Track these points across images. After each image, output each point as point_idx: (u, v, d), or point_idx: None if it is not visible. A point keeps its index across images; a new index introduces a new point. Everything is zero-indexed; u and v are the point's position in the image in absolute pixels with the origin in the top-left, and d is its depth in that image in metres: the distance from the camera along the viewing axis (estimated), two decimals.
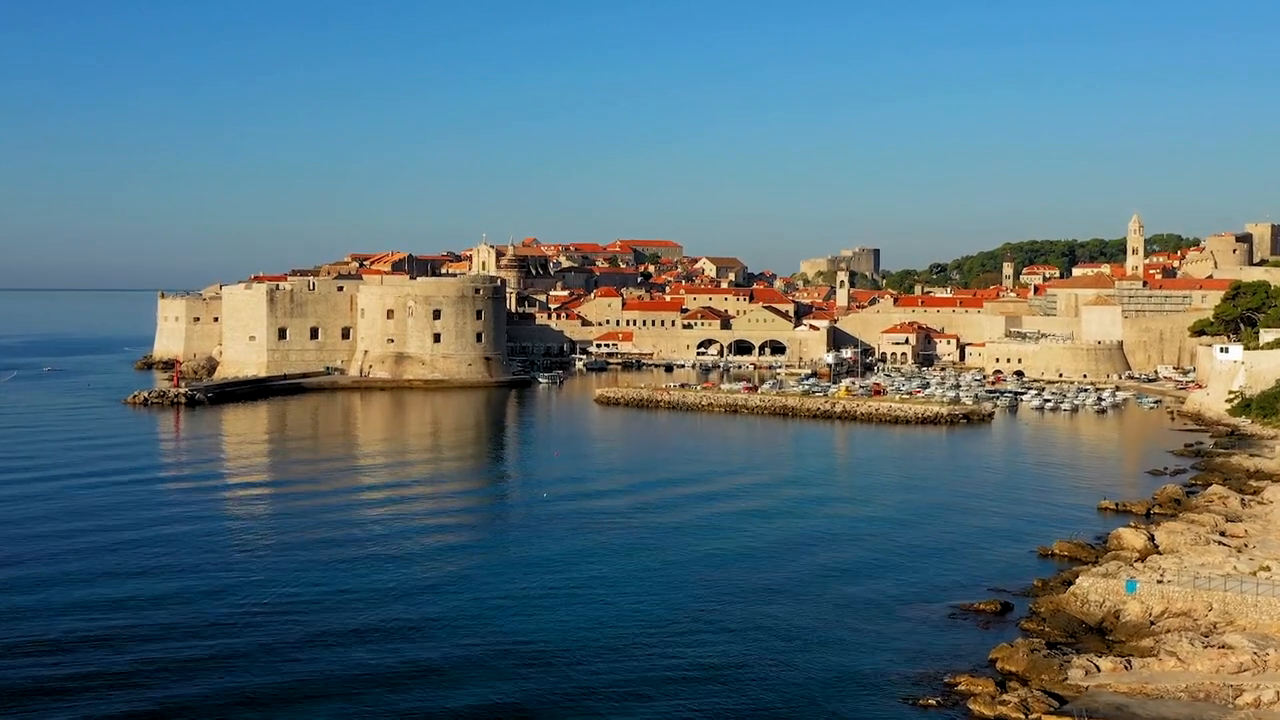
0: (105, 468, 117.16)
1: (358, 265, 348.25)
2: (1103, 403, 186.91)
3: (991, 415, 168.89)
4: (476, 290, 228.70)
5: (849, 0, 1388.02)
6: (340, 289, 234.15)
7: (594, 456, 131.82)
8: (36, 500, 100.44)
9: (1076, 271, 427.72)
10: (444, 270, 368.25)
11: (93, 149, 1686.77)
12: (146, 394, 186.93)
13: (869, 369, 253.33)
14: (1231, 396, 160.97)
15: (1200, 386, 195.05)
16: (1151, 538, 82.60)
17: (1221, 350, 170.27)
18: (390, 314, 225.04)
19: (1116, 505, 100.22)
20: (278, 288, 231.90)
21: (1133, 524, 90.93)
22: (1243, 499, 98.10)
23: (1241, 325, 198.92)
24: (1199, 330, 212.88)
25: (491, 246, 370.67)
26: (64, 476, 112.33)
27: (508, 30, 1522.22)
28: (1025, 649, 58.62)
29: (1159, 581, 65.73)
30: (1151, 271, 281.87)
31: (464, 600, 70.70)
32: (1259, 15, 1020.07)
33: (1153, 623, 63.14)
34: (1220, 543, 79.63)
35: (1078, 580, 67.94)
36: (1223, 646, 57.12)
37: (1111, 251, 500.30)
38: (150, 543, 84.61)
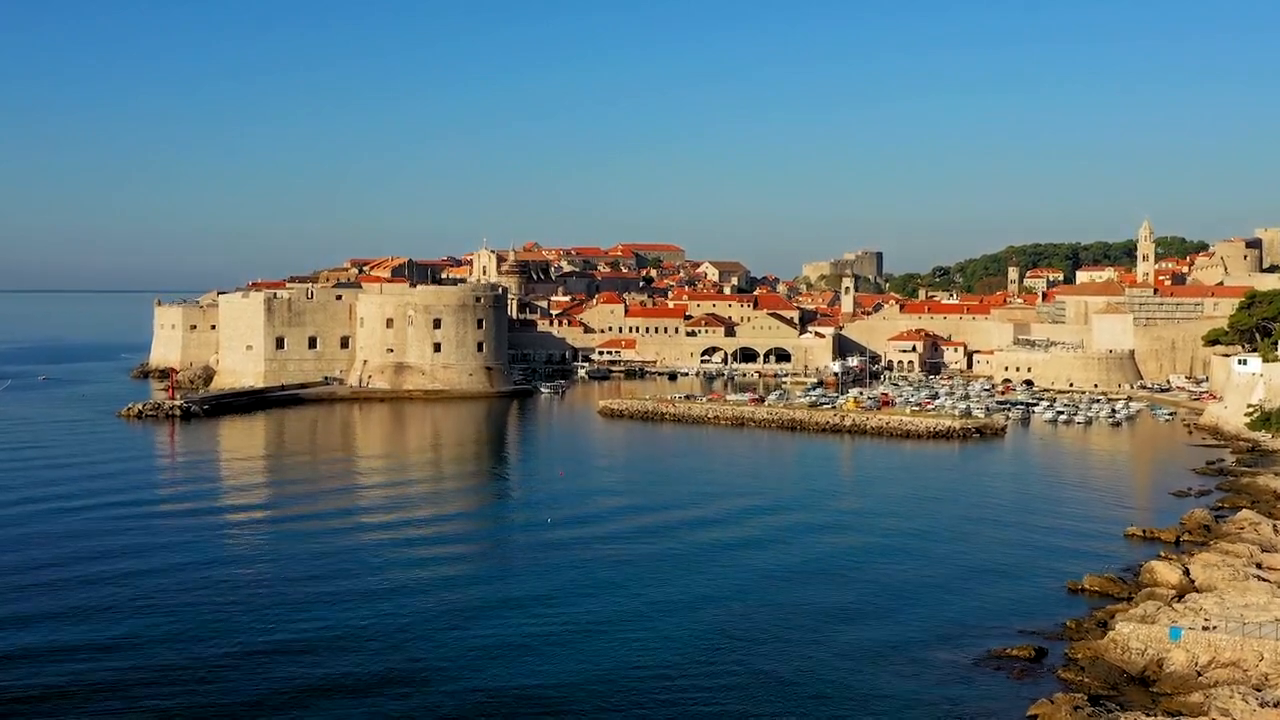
0: (98, 499, 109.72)
1: (357, 271, 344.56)
2: (1117, 415, 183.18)
3: (1004, 429, 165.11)
4: (477, 299, 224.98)
5: (849, 0, 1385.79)
6: (339, 298, 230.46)
7: (599, 477, 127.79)
8: (24, 530, 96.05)
9: (1080, 274, 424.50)
10: (444, 275, 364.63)
11: (92, 149, 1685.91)
12: (141, 406, 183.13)
13: (875, 377, 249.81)
14: (1250, 410, 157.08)
15: (1214, 397, 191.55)
16: (1186, 571, 78.86)
17: (1240, 362, 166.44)
18: (390, 323, 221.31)
19: (1144, 532, 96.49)
20: (275, 296, 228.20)
21: (1163, 554, 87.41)
22: (1275, 525, 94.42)
23: (1257, 335, 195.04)
24: (1213, 340, 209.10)
25: (492, 251, 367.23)
26: (54, 507, 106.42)
27: (507, 30, 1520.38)
28: (1067, 705, 54.87)
29: (1205, 628, 62.00)
30: (1160, 278, 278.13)
31: (466, 643, 66.85)
32: (1260, 15, 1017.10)
33: (1199, 673, 59.44)
34: (1259, 578, 75.92)
35: (1117, 626, 64.20)
36: (1278, 705, 53.40)
37: (1115, 254, 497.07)
38: (141, 580, 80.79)
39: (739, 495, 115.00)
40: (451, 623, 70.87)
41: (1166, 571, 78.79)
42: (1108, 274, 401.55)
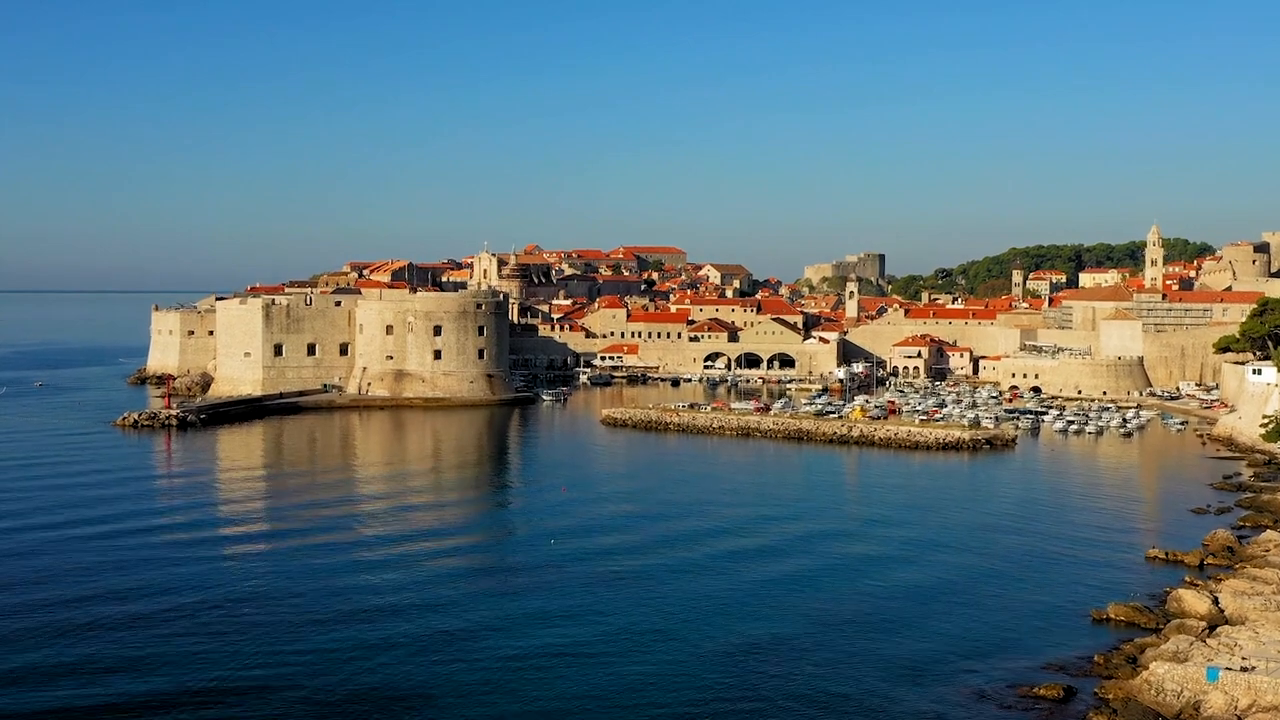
0: (89, 523, 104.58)
1: (356, 275, 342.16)
2: (1128, 425, 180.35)
3: (1014, 440, 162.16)
4: (478, 305, 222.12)
5: (849, 1, 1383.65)
6: (338, 304, 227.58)
7: (603, 493, 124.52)
8: (7, 561, 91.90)
9: (1084, 277, 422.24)
10: (445, 279, 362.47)
11: (91, 151, 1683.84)
12: (137, 416, 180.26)
13: (881, 383, 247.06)
14: (1266, 421, 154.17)
15: (1225, 405, 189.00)
16: (1215, 600, 76.04)
17: (1255, 372, 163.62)
18: (390, 330, 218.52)
19: (1166, 554, 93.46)
20: (274, 302, 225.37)
21: (1188, 579, 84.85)
22: None
23: (1269, 343, 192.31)
24: (1224, 347, 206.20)
25: (493, 255, 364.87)
26: (46, 536, 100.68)
27: (507, 32, 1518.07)
28: None
29: (1243, 669, 59.19)
30: (1168, 282, 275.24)
31: (466, 686, 64.06)
32: (1262, 16, 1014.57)
33: (1239, 718, 56.63)
34: None
35: (1151, 666, 61.38)
36: None
37: (1118, 256, 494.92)
38: (129, 610, 77.98)
39: (748, 518, 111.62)
40: (452, 665, 68.04)
41: (1195, 601, 75.99)
42: (1111, 276, 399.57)
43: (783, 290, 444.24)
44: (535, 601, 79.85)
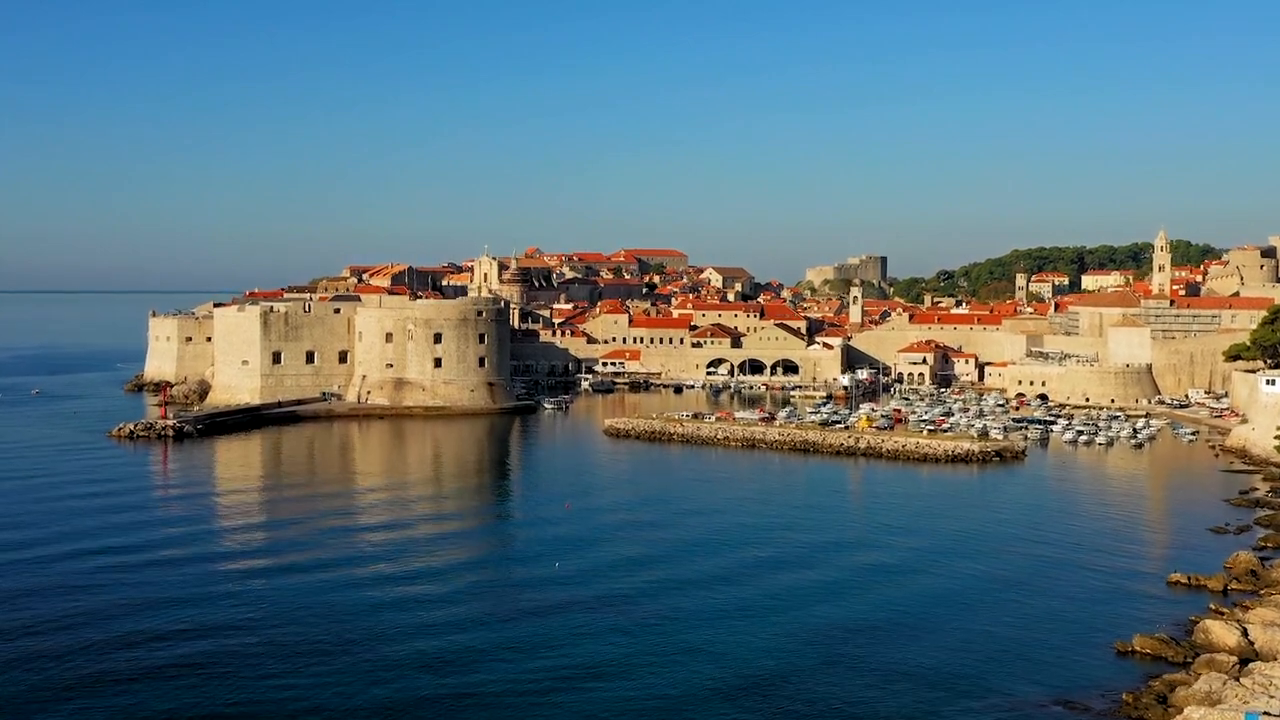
0: (83, 554, 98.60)
1: (356, 280, 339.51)
2: (1138, 435, 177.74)
3: (1023, 452, 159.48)
4: (479, 312, 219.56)
5: (850, 1, 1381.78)
6: (337, 310, 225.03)
7: (608, 510, 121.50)
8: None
9: (1086, 279, 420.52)
10: (445, 283, 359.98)
11: (90, 153, 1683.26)
12: (133, 427, 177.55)
13: (886, 390, 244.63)
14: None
15: (1236, 414, 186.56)
16: (1244, 632, 73.56)
17: (1268, 382, 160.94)
18: (389, 337, 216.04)
19: (1189, 579, 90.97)
20: (272, 309, 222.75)
21: (1213, 606, 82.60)
22: None
23: None
24: (1234, 355, 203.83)
25: (494, 258, 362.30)
26: (36, 563, 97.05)
27: (508, 34, 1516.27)
28: None
29: None
30: (1174, 287, 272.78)
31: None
32: (1261, 15, 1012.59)
33: None
34: None
35: (1186, 711, 58.87)
36: None
37: (1120, 258, 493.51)
38: (118, 644, 75.36)
39: (752, 533, 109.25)
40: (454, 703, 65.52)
41: (1223, 632, 73.52)
42: (1114, 278, 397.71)
43: (785, 293, 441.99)
44: (540, 641, 76.64)
